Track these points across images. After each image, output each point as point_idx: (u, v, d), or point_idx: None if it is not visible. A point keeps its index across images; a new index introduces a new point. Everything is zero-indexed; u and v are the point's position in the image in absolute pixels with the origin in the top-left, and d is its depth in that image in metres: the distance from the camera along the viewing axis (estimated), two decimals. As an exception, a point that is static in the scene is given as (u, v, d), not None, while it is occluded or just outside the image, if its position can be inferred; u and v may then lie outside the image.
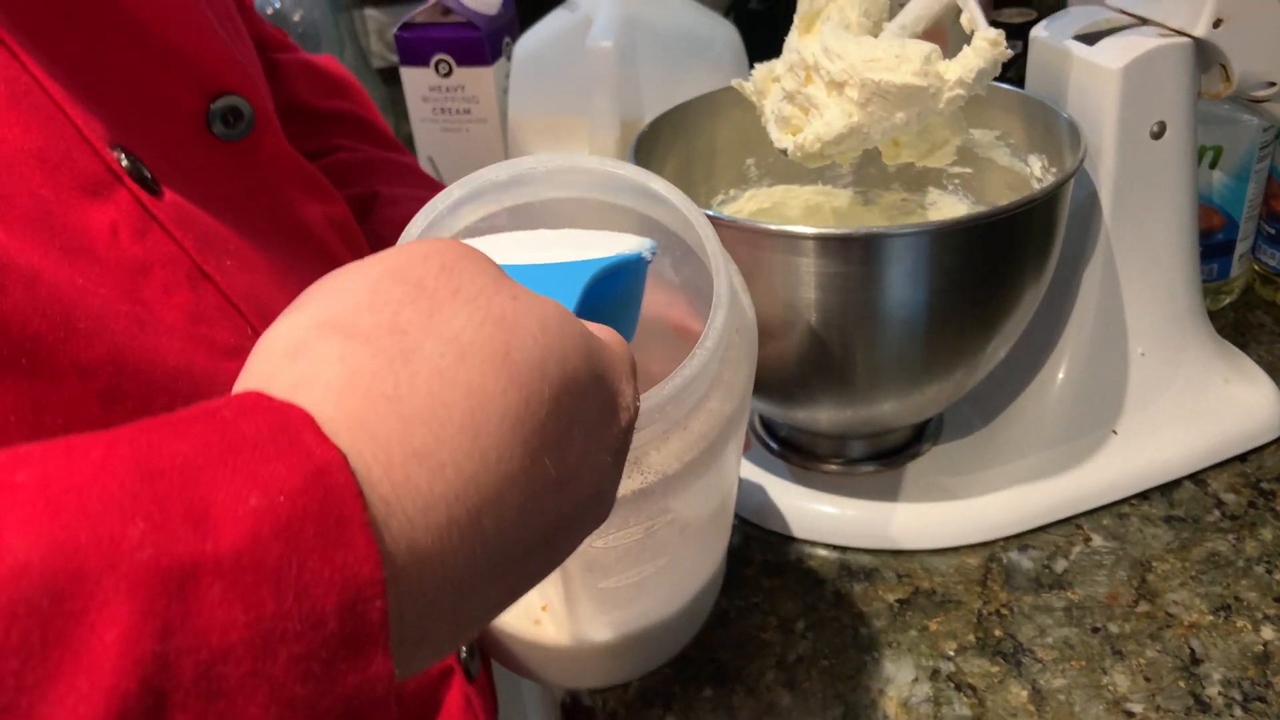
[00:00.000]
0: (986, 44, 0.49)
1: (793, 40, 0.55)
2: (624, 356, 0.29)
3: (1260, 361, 0.64)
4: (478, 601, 0.25)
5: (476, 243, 0.37)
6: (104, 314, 0.33)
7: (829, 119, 0.51)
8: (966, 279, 0.50)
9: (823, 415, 0.57)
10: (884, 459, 0.61)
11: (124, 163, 0.36)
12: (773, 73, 0.56)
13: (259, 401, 0.22)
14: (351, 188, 0.57)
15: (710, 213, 0.47)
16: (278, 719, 0.20)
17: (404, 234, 0.42)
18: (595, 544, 0.41)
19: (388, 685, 0.21)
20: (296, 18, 1.06)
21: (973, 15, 0.51)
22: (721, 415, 0.40)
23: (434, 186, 0.64)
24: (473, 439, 0.23)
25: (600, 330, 0.30)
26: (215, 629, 0.19)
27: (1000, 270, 0.51)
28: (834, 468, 0.62)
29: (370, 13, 1.28)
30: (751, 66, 0.57)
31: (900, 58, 0.49)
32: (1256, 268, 0.75)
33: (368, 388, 0.23)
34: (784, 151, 0.54)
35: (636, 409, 0.30)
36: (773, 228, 0.50)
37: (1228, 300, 0.74)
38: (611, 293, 0.34)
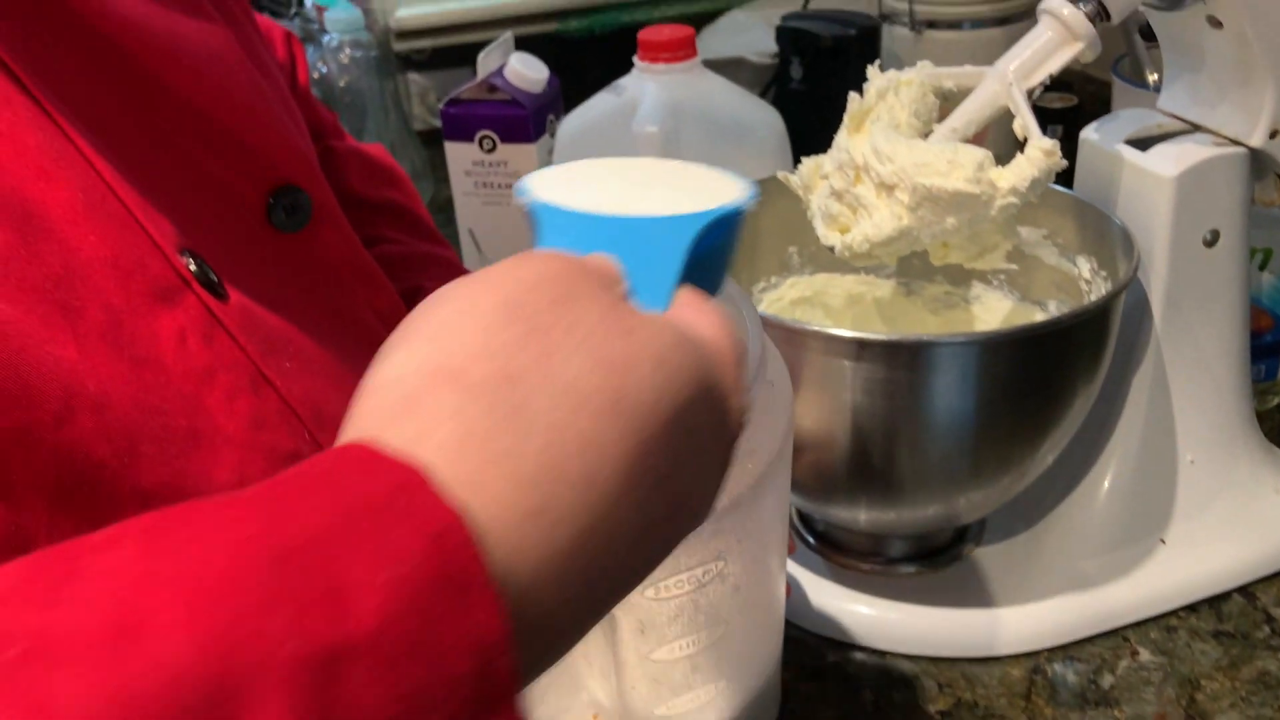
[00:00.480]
0: (1041, 153, 0.48)
1: (841, 139, 0.54)
2: (731, 359, 0.29)
3: (1311, 469, 0.63)
4: (588, 623, 0.26)
5: (571, 171, 0.36)
6: (165, 435, 0.32)
7: (878, 221, 0.51)
8: (1015, 388, 0.49)
9: (863, 515, 0.56)
10: (924, 560, 0.60)
11: (192, 268, 0.36)
12: (820, 169, 0.56)
13: (375, 458, 0.22)
14: (396, 282, 0.57)
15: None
16: None
17: None
18: (646, 593, 0.41)
19: None
20: (342, 83, 1.07)
21: (1026, 123, 0.50)
22: (764, 452, 0.40)
23: None
24: (586, 491, 0.23)
25: (708, 325, 0.29)
26: (365, 710, 0.19)
27: (1050, 380, 0.50)
28: (872, 567, 0.60)
29: (413, 77, 1.30)
30: (795, 155, 0.57)
31: (952, 163, 0.49)
32: (1305, 368, 0.73)
33: (482, 448, 0.23)
34: (831, 249, 0.54)
35: (745, 410, 0.29)
36: (816, 329, 0.50)
37: (1276, 401, 0.73)
38: (711, 245, 0.33)
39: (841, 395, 0.50)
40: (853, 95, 0.55)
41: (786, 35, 0.96)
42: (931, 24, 0.95)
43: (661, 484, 0.25)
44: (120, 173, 0.35)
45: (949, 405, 0.49)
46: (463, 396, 0.23)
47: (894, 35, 0.97)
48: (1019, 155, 0.50)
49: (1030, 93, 0.52)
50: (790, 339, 0.49)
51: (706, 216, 0.32)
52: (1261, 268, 0.68)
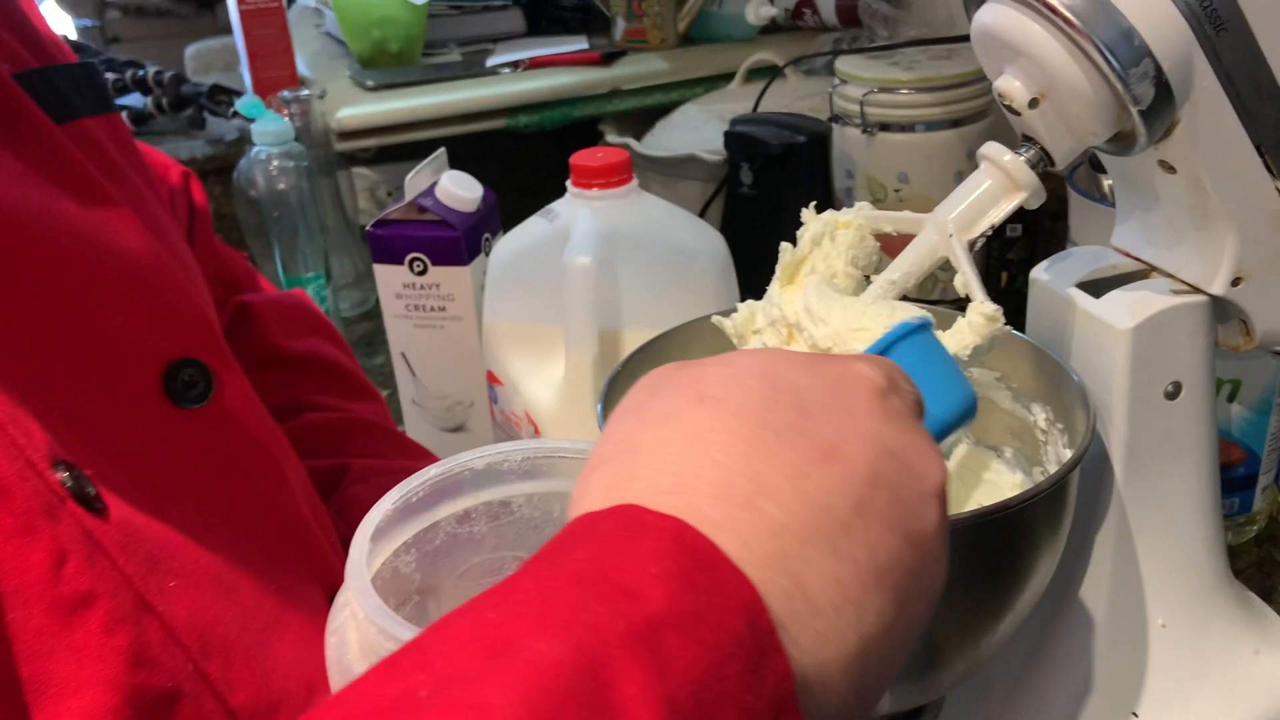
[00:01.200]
0: (983, 319, 0.45)
1: (774, 293, 0.51)
2: (876, 361, 0.33)
3: (1291, 619, 0.59)
4: (847, 623, 0.27)
5: None
6: (9, 687, 0.30)
7: (813, 386, 0.47)
8: (970, 571, 0.45)
9: (809, 696, 0.52)
10: (879, 735, 0.55)
11: (68, 484, 0.33)
12: (753, 321, 0.52)
13: (592, 514, 0.27)
14: (321, 457, 0.53)
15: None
16: None
17: (362, 525, 0.40)
18: None
19: (790, 679, 0.25)
20: (282, 186, 1.04)
21: (969, 280, 0.46)
22: None
23: (407, 450, 0.61)
24: (710, 462, 0.28)
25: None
26: (686, 666, 0.23)
27: (1007, 559, 0.46)
28: (824, 741, 0.55)
29: (360, 171, 1.27)
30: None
31: (889, 329, 0.45)
32: (1281, 496, 0.70)
33: (619, 486, 0.28)
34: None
35: (913, 395, 0.33)
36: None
37: (1253, 533, 0.69)
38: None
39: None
40: (785, 246, 0.51)
41: (735, 140, 0.93)
42: (884, 126, 0.92)
43: (786, 434, 0.29)
44: None
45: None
46: (600, 470, 0.30)
47: (846, 136, 0.94)
48: (959, 320, 0.46)
49: (972, 244, 0.48)
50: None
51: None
52: (1231, 399, 0.64)
